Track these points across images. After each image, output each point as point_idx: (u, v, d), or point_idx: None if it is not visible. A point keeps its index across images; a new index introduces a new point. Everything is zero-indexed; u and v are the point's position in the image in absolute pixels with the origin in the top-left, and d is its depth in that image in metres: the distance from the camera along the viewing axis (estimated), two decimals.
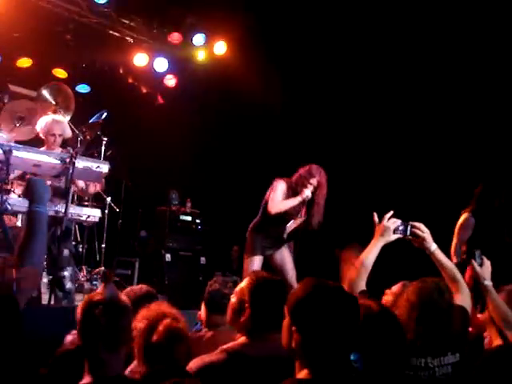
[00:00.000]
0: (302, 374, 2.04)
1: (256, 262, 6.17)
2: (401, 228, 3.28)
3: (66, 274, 5.76)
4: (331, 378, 2.01)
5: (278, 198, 6.11)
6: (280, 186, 6.17)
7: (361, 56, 8.03)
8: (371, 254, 3.20)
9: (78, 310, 2.52)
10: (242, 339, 2.69)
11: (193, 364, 2.61)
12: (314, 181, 6.14)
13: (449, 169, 7.43)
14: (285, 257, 6.35)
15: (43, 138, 6.27)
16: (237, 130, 9.00)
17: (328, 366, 2.02)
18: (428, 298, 2.77)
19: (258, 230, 6.26)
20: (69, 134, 6.45)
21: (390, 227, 3.24)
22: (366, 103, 8.12)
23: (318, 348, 2.02)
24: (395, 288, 3.70)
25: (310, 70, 8.47)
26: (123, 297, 2.57)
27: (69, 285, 5.83)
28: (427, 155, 7.66)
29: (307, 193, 6.09)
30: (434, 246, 3.29)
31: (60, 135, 6.22)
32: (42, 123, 6.28)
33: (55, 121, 6.32)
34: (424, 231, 3.29)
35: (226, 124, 9.12)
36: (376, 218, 3.30)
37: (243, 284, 2.78)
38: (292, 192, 6.15)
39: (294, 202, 6.11)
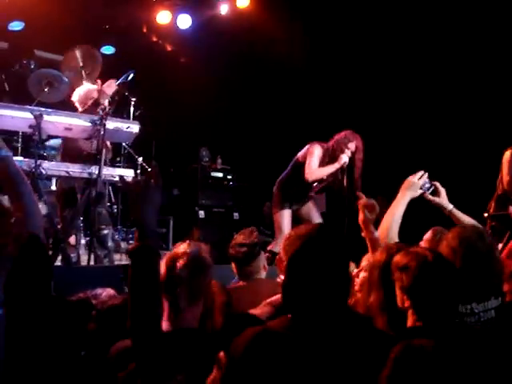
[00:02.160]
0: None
1: (286, 215, 6.22)
2: (426, 185, 3.36)
3: (107, 231, 5.85)
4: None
5: (315, 165, 6.08)
6: (316, 152, 6.13)
7: (391, 9, 7.84)
8: (399, 207, 3.23)
9: (163, 262, 2.64)
10: None
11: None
12: (352, 145, 6.11)
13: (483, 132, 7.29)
14: (311, 210, 6.39)
15: (79, 106, 6.31)
16: (265, 84, 8.91)
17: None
18: (469, 242, 2.76)
19: (285, 186, 6.27)
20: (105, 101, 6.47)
21: (417, 182, 3.30)
22: (394, 58, 7.93)
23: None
24: (427, 235, 3.70)
25: (336, 20, 8.31)
26: (205, 254, 2.67)
27: (110, 243, 5.93)
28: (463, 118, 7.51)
29: (345, 158, 6.06)
30: (450, 206, 3.39)
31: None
32: (78, 93, 6.33)
33: (92, 90, 6.37)
34: (441, 190, 3.38)
35: (254, 78, 9.02)
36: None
37: (284, 238, 2.79)
38: (328, 157, 6.11)
39: (332, 169, 6.08)
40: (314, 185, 6.29)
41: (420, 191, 3.33)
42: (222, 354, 1.84)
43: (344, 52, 8.31)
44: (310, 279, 2.13)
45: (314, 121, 6.58)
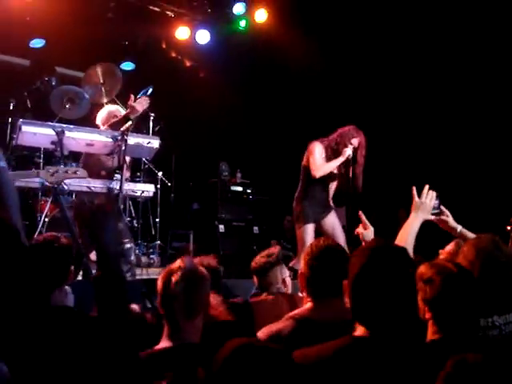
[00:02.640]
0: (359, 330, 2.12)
1: (309, 231, 6.18)
2: (435, 206, 3.26)
3: (129, 245, 5.87)
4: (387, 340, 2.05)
5: (319, 161, 6.09)
6: (316, 149, 6.14)
7: (402, 21, 7.86)
8: (412, 229, 3.15)
9: (159, 278, 2.65)
10: (307, 305, 2.72)
11: (261, 333, 2.65)
12: (355, 141, 6.12)
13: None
14: (334, 222, 6.32)
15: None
16: (284, 99, 8.95)
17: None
18: (485, 252, 2.71)
19: (304, 198, 6.25)
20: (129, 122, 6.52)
21: (428, 204, 3.21)
22: (408, 69, 7.95)
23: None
24: (449, 247, 3.66)
25: (352, 33, 8.34)
26: (201, 268, 2.67)
27: (132, 257, 5.95)
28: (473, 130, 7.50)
29: (349, 152, 6.06)
30: (459, 227, 3.33)
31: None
32: (101, 115, 6.39)
33: (115, 110, 6.41)
34: (448, 214, 3.33)
35: (273, 93, 9.07)
36: (415, 193, 3.23)
37: (305, 251, 2.79)
38: (331, 152, 6.13)
39: (337, 162, 6.09)
40: (330, 187, 6.26)
41: (432, 216, 3.26)
42: (200, 369, 1.83)
43: (358, 65, 8.34)
44: (384, 294, 2.10)
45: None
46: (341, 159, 6.07)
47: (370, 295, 2.09)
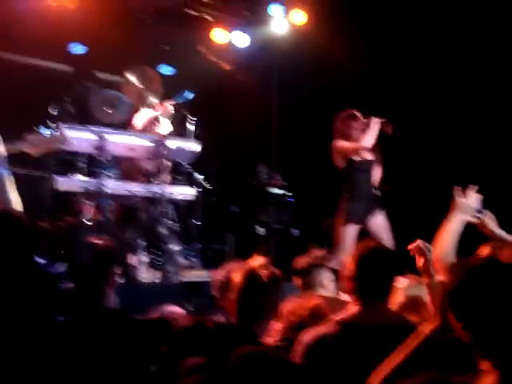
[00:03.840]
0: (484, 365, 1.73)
1: (351, 231, 6.09)
2: (479, 207, 3.11)
3: (177, 248, 5.91)
4: None
5: (350, 143, 6.09)
6: (337, 144, 6.17)
7: (449, 25, 7.76)
8: (453, 229, 2.98)
9: (237, 276, 2.75)
10: (353, 309, 2.69)
11: (306, 336, 2.63)
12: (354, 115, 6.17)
13: None
14: (380, 224, 6.22)
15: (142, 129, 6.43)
16: (322, 100, 8.90)
17: None
18: None
19: (348, 197, 6.19)
20: (168, 128, 6.59)
21: (470, 205, 3.07)
22: (452, 77, 7.85)
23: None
24: (484, 251, 3.54)
25: (394, 36, 8.26)
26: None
27: (181, 259, 5.99)
28: None
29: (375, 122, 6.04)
30: (501, 233, 3.18)
31: (159, 128, 6.39)
32: (141, 120, 6.45)
33: (154, 116, 6.47)
34: (492, 217, 3.19)
35: (311, 95, 9.03)
36: (458, 193, 3.08)
37: (354, 252, 2.76)
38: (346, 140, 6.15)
39: (374, 131, 6.05)
40: (373, 179, 6.20)
41: (475, 219, 3.10)
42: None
43: (400, 68, 8.25)
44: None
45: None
46: (375, 128, 6.05)
47: (490, 324, 1.69)
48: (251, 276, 2.70)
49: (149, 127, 6.42)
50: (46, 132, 6.40)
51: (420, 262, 2.90)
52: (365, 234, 6.18)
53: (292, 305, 2.97)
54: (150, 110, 6.72)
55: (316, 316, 2.89)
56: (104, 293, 3.07)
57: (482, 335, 1.71)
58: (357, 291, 2.67)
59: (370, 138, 6.02)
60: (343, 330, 2.57)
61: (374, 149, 6.18)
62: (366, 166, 6.18)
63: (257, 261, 2.77)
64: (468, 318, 1.73)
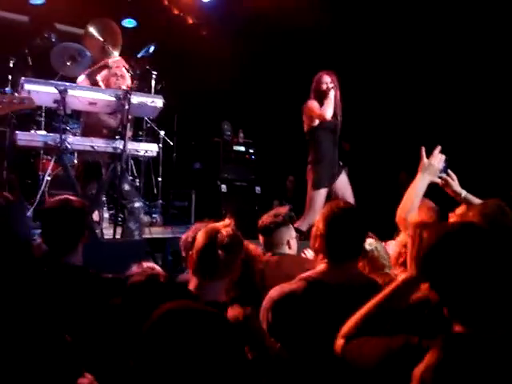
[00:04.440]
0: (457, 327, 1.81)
1: (322, 195, 6.16)
2: (443, 168, 3.22)
3: (138, 204, 5.87)
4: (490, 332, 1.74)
5: (318, 107, 6.14)
6: (309, 104, 6.21)
7: None
8: (418, 189, 3.13)
9: (200, 235, 2.76)
10: (320, 267, 2.72)
11: (273, 292, 2.66)
12: (327, 79, 6.18)
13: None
14: (344, 184, 6.31)
15: (103, 85, 6.30)
16: (287, 56, 8.83)
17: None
18: (492, 218, 2.68)
19: (316, 161, 6.23)
20: (129, 82, 6.46)
21: (436, 166, 3.18)
22: (416, 22, 7.85)
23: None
24: (460, 210, 3.63)
25: None
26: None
27: (142, 215, 5.95)
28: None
29: (332, 92, 6.12)
30: (463, 192, 3.28)
31: (121, 82, 6.26)
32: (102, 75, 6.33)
33: (116, 69, 6.35)
34: (454, 178, 3.28)
35: (276, 50, 8.96)
36: (423, 153, 3.19)
37: (324, 212, 2.77)
38: (318, 101, 6.17)
39: (330, 103, 6.12)
40: (335, 141, 6.25)
41: (438, 180, 3.22)
42: None
43: (362, 20, 8.23)
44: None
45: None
46: (330, 99, 6.10)
47: (462, 288, 1.77)
48: (212, 235, 2.71)
49: (109, 80, 6.30)
50: (9, 91, 6.28)
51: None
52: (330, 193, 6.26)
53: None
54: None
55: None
56: (77, 250, 3.05)
57: (450, 296, 1.80)
58: (325, 250, 2.69)
59: (329, 110, 6.07)
60: (310, 287, 2.60)
61: (337, 111, 6.24)
62: (330, 127, 6.22)
63: (223, 222, 2.77)
64: (437, 280, 1.83)
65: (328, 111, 6.10)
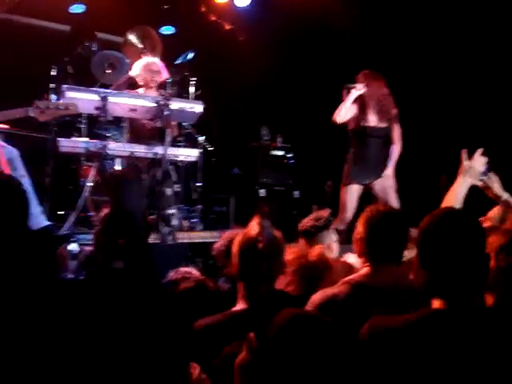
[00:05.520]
0: (436, 303, 2.03)
1: (348, 192, 6.16)
2: (485, 171, 3.15)
3: (172, 211, 5.92)
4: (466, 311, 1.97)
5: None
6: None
7: None
8: (459, 193, 3.06)
9: (235, 244, 2.70)
10: (363, 270, 2.70)
11: (315, 297, 2.65)
12: (359, 85, 6.12)
13: None
14: (386, 188, 6.24)
15: (140, 81, 6.39)
16: (325, 61, 8.81)
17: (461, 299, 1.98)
18: None
19: (350, 158, 6.25)
20: (165, 75, 6.56)
21: (477, 169, 3.11)
22: (458, 27, 7.76)
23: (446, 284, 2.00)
24: (492, 213, 3.55)
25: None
26: (276, 231, 2.76)
27: (175, 222, 6.00)
28: None
29: (353, 93, 6.08)
30: (505, 195, 3.21)
31: (157, 76, 6.35)
32: (137, 67, 6.40)
33: (151, 63, 6.44)
34: (495, 180, 3.21)
35: (312, 53, 8.94)
36: (465, 156, 3.12)
37: (364, 215, 2.76)
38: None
39: (347, 101, 6.08)
40: (372, 142, 6.20)
41: (480, 183, 3.15)
42: (251, 335, 1.83)
43: (404, 23, 8.16)
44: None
45: None
46: (345, 100, 6.08)
47: (446, 265, 1.99)
48: (247, 244, 2.70)
49: (145, 74, 6.37)
50: (54, 98, 6.38)
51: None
52: (369, 195, 6.22)
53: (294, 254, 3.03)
54: (148, 58, 6.66)
55: (322, 263, 2.95)
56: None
57: (437, 275, 2.01)
58: (366, 253, 2.68)
59: (341, 112, 6.06)
60: (353, 291, 2.58)
61: (386, 115, 6.17)
62: (372, 132, 6.18)
63: (253, 227, 2.75)
64: (428, 260, 2.05)
65: (338, 113, 6.08)
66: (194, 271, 3.15)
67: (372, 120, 6.16)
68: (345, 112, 6.10)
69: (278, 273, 2.71)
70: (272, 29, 8.96)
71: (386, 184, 6.24)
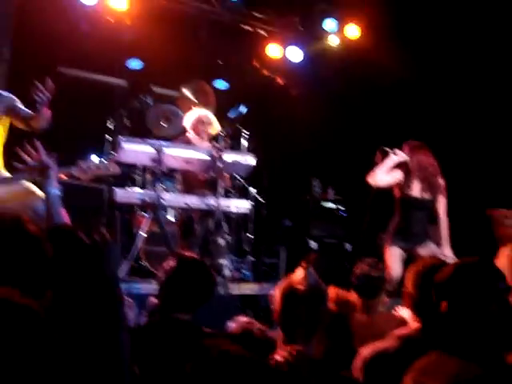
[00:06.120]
0: None
1: (393, 254, 5.96)
2: None
3: (224, 261, 5.95)
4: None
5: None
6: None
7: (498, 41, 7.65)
8: None
9: (277, 295, 2.69)
10: (414, 325, 2.66)
11: (365, 350, 2.61)
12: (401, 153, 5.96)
13: None
14: (430, 253, 6.01)
15: (192, 132, 6.53)
16: (376, 116, 8.84)
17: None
18: None
19: (394, 225, 6.08)
20: (217, 127, 6.69)
21: None
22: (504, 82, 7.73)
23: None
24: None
25: (447, 49, 8.16)
26: (320, 281, 2.72)
27: (227, 272, 6.02)
28: None
29: (392, 158, 5.91)
30: None
31: (209, 128, 6.47)
32: (190, 119, 6.55)
33: (203, 115, 6.58)
34: None
35: (365, 109, 8.99)
36: None
37: (412, 270, 2.73)
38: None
39: (384, 165, 5.92)
40: (416, 215, 6.04)
41: None
42: None
43: (455, 79, 8.15)
44: None
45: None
46: (386, 163, 5.91)
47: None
48: (289, 289, 2.69)
49: (196, 125, 6.49)
50: (96, 160, 6.56)
51: None
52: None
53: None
54: (200, 109, 6.80)
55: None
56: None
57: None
58: (414, 309, 2.65)
59: (378, 172, 5.93)
60: (403, 345, 2.54)
61: (431, 186, 6.03)
62: (416, 203, 6.02)
63: (297, 273, 2.75)
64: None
65: (373, 176, 5.93)
66: (254, 321, 3.14)
67: (416, 191, 5.96)
68: (382, 176, 5.94)
69: (319, 323, 2.67)
70: (324, 83, 9.08)
71: (430, 251, 6.00)
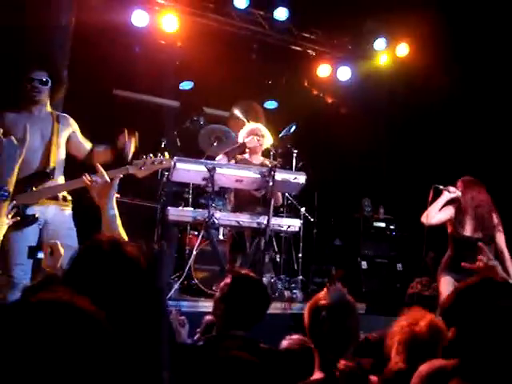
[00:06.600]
0: None
1: (445, 283, 5.82)
2: None
3: (265, 280, 5.96)
4: None
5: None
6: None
7: None
8: None
9: (306, 314, 2.68)
10: None
11: (423, 367, 2.59)
12: (452, 189, 5.79)
13: None
14: None
15: (246, 147, 6.59)
16: (426, 133, 8.78)
17: None
18: None
19: (446, 260, 5.94)
20: (270, 140, 6.73)
21: None
22: None
23: None
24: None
25: (500, 68, 8.05)
26: (349, 296, 2.67)
27: (277, 291, 6.03)
28: None
29: (446, 194, 5.74)
30: None
31: (262, 140, 6.53)
32: (243, 132, 6.63)
33: (256, 128, 6.65)
34: None
35: (415, 127, 8.94)
36: None
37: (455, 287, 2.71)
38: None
39: (437, 203, 5.75)
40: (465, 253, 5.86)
41: None
42: None
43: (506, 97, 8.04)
44: None
45: (478, 170, 6.35)
46: (439, 201, 5.74)
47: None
48: (314, 307, 2.69)
49: (252, 141, 6.55)
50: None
51: None
52: None
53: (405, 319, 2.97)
54: (255, 125, 6.86)
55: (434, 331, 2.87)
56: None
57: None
58: None
59: (430, 212, 5.78)
60: (461, 363, 2.51)
61: (483, 225, 5.79)
62: (467, 243, 5.87)
63: (324, 290, 2.75)
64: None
65: (427, 215, 5.77)
66: (306, 339, 3.14)
67: (468, 229, 5.79)
68: (435, 214, 5.81)
69: (350, 340, 2.65)
70: (373, 101, 9.07)
71: None
